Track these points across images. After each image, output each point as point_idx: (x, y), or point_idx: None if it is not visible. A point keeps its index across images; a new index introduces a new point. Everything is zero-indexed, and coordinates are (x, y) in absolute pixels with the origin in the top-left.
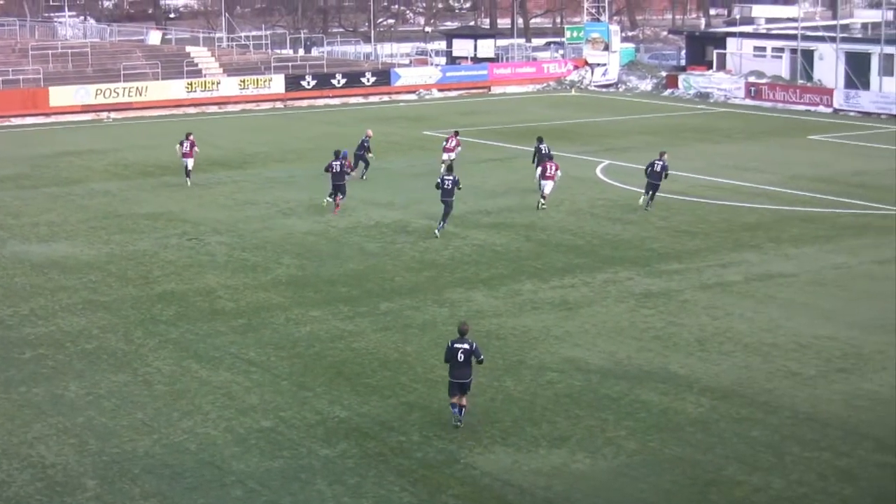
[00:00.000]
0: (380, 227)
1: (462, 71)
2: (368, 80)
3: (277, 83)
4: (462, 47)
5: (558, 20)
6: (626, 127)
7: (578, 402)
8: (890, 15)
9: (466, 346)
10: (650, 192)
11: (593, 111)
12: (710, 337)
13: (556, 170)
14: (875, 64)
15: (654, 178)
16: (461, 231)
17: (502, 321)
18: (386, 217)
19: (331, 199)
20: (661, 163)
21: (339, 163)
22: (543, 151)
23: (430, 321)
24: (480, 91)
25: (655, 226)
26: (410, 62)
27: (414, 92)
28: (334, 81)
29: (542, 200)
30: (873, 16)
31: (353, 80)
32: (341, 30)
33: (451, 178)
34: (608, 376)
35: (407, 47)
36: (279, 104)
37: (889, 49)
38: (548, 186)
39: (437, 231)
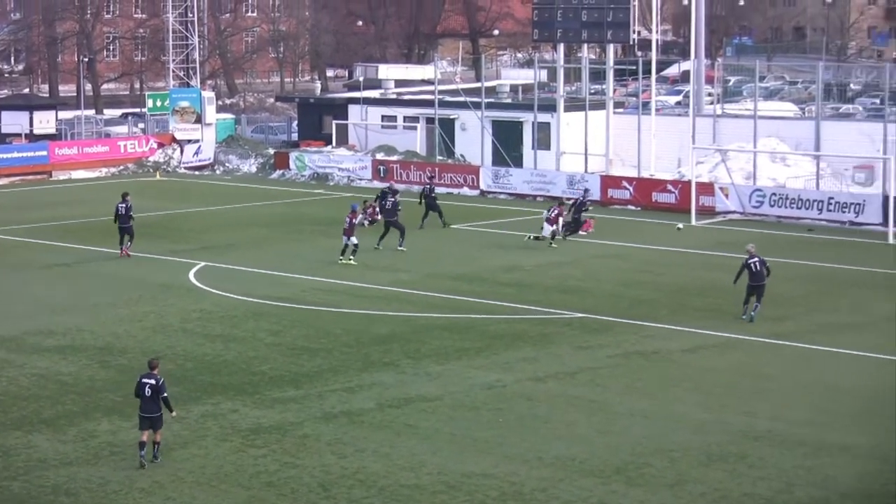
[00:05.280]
0: None
1: (14, 152)
2: None
3: None
4: (14, 121)
5: (137, 86)
6: (226, 219)
7: None
8: (543, 75)
9: (153, 381)
10: (755, 295)
11: (184, 200)
12: (337, 480)
13: (558, 213)
14: (528, 135)
15: (759, 280)
16: (16, 357)
17: (73, 472)
18: None
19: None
20: (757, 259)
21: (124, 205)
22: (430, 194)
23: None
24: (39, 177)
25: (264, 342)
26: None
27: None
28: None
29: (549, 240)
30: (524, 76)
31: None
32: None
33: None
34: None
35: None
36: None
37: (544, 117)
38: (546, 229)
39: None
